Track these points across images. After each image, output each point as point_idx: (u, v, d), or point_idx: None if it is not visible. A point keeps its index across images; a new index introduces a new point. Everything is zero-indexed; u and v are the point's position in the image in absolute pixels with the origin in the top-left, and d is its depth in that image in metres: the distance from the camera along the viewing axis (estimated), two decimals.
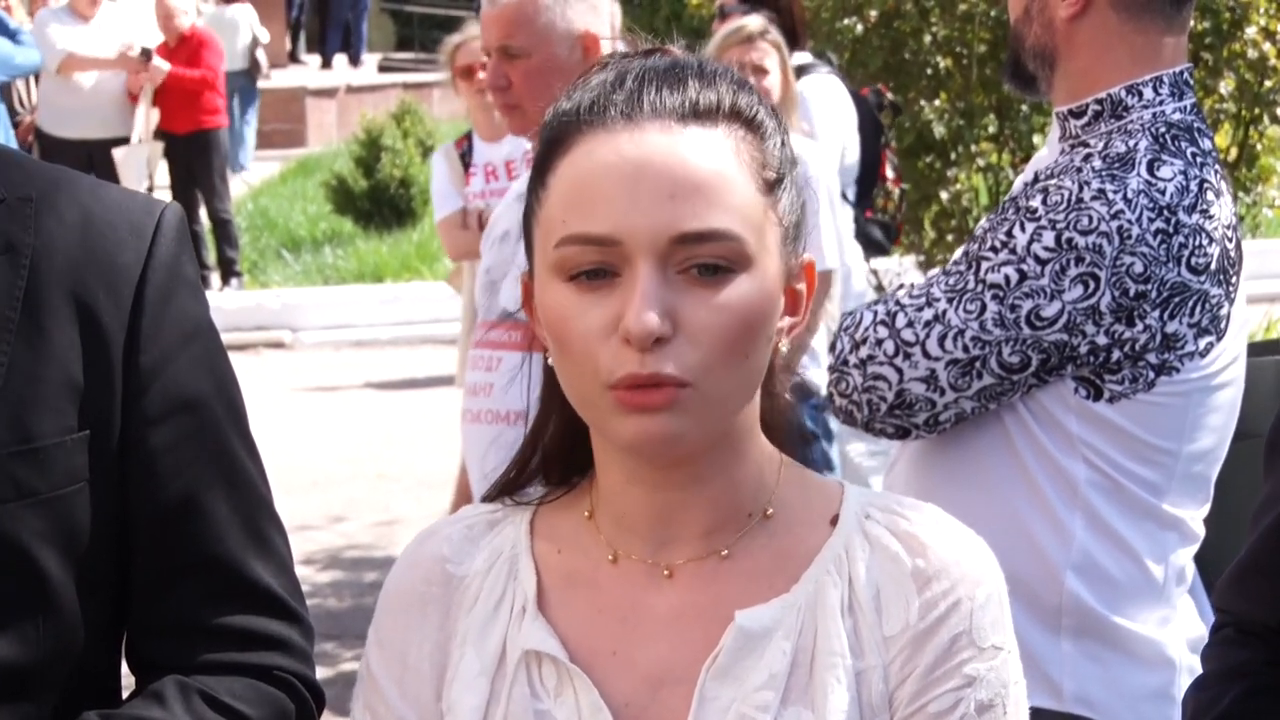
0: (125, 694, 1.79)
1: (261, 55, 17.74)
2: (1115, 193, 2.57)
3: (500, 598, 1.65)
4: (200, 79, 12.94)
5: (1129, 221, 2.56)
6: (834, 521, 1.63)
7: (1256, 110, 6.57)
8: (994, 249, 2.62)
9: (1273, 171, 6.84)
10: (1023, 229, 2.60)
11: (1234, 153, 6.63)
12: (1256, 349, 2.95)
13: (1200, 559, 2.82)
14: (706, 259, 1.51)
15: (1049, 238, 2.57)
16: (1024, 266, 2.58)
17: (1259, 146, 6.77)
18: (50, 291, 1.70)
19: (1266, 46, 6.35)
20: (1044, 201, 2.60)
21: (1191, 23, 6.17)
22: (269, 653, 1.77)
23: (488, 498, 1.73)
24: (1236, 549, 2.80)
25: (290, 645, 1.79)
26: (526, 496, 1.71)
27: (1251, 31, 6.35)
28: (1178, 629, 2.70)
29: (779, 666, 1.56)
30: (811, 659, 1.57)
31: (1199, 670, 2.69)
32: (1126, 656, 2.67)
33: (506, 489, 1.72)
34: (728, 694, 1.57)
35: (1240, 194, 6.57)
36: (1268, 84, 6.44)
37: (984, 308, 2.60)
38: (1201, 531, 2.75)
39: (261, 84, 18.44)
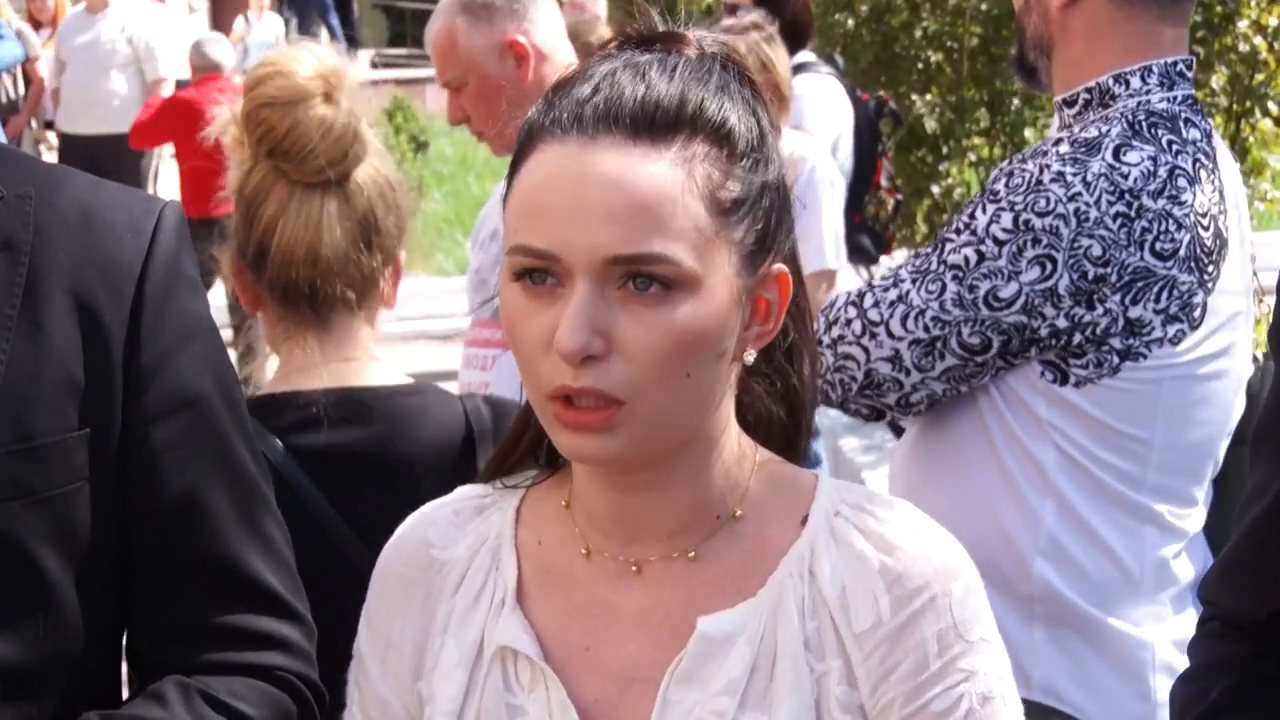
0: (125, 694, 1.79)
1: None
2: (1075, 175, 2.57)
3: (481, 587, 1.67)
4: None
5: (1086, 204, 2.56)
6: (804, 522, 1.62)
7: (1248, 103, 6.58)
8: (957, 231, 2.64)
9: (1265, 165, 6.84)
10: (984, 211, 2.61)
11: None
12: None
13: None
14: (643, 277, 1.50)
15: (1007, 219, 2.58)
16: (983, 248, 2.59)
17: (1250, 140, 6.78)
18: (50, 289, 1.69)
19: (1258, 40, 6.37)
20: (1006, 184, 2.61)
21: None
22: (270, 652, 1.77)
23: (481, 479, 1.74)
24: None
25: (292, 645, 1.78)
26: (518, 480, 1.72)
27: (1243, 25, 6.36)
28: (1161, 627, 2.68)
29: (737, 672, 1.57)
30: (773, 663, 1.57)
31: (1179, 670, 2.69)
32: (1098, 649, 2.66)
33: (498, 471, 1.73)
34: (690, 698, 1.58)
35: None
36: (1259, 77, 6.45)
37: (944, 288, 2.61)
38: (1191, 528, 2.72)
39: None
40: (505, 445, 1.73)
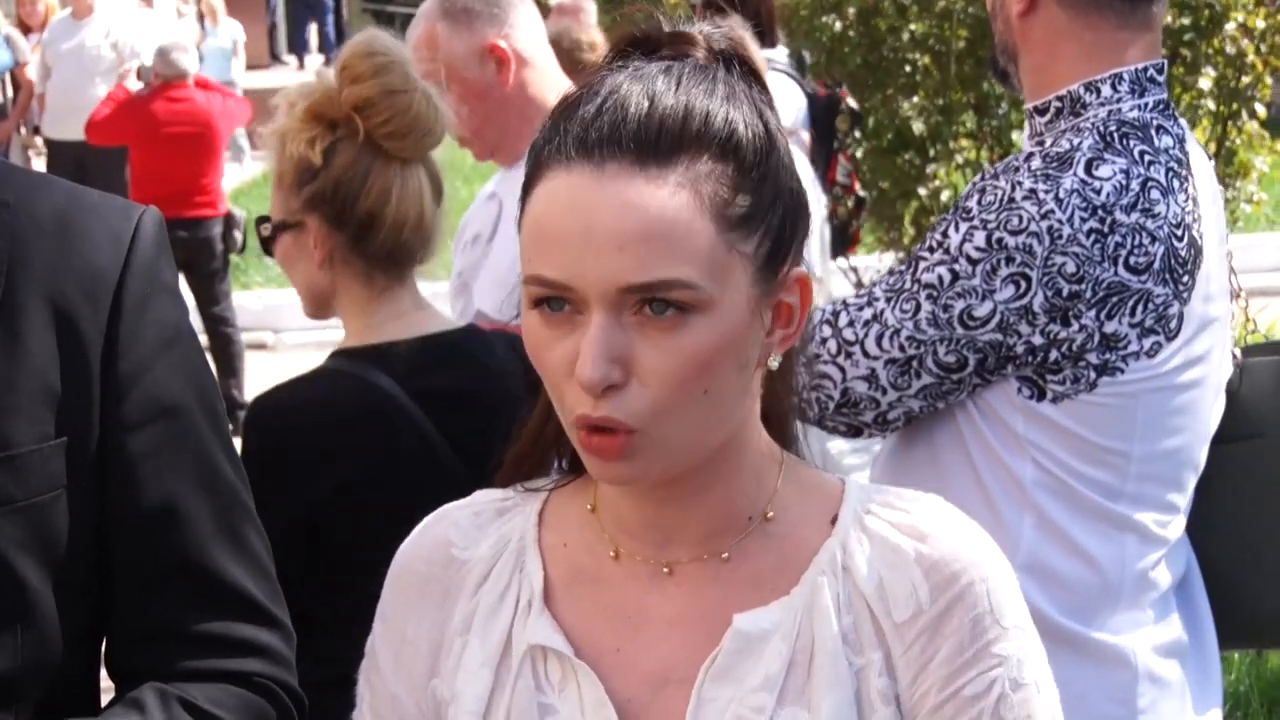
0: (104, 702, 1.78)
1: None
2: (1047, 193, 2.56)
3: (505, 589, 1.67)
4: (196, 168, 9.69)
5: (1059, 221, 2.55)
6: (834, 521, 1.63)
7: (1235, 106, 6.60)
8: (930, 249, 2.63)
9: (1251, 167, 6.86)
10: (956, 229, 2.60)
11: (1212, 149, 6.65)
12: (1257, 349, 2.92)
13: (1202, 561, 2.79)
14: (658, 302, 1.51)
15: (980, 238, 2.57)
16: (956, 266, 2.58)
17: (1238, 142, 6.79)
18: (27, 297, 1.69)
19: (1245, 43, 6.38)
20: (979, 202, 2.60)
21: (1168, 19, 6.18)
22: (249, 659, 1.76)
23: (499, 483, 1.74)
24: (1241, 551, 2.78)
25: (271, 651, 1.78)
26: (539, 483, 1.72)
27: (1230, 28, 6.37)
28: (1142, 633, 2.67)
29: (775, 668, 1.58)
30: (810, 659, 1.58)
31: (1163, 676, 2.69)
32: (1081, 658, 2.65)
33: (516, 475, 1.72)
34: (726, 695, 1.58)
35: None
36: (1245, 80, 6.47)
37: (918, 307, 2.61)
38: (1172, 535, 2.72)
39: (242, 84, 18.41)
40: (521, 448, 1.72)
